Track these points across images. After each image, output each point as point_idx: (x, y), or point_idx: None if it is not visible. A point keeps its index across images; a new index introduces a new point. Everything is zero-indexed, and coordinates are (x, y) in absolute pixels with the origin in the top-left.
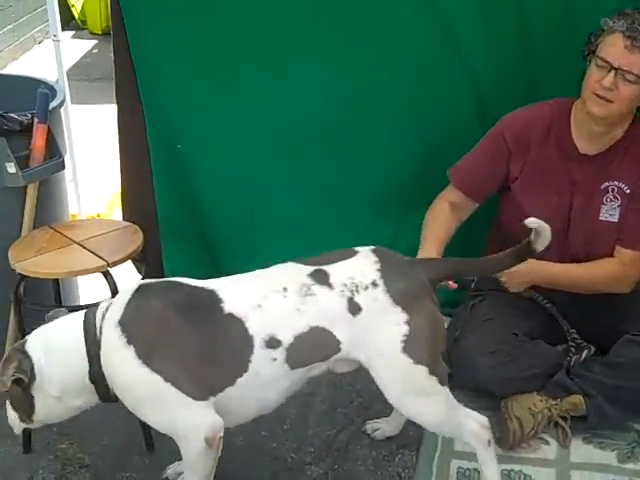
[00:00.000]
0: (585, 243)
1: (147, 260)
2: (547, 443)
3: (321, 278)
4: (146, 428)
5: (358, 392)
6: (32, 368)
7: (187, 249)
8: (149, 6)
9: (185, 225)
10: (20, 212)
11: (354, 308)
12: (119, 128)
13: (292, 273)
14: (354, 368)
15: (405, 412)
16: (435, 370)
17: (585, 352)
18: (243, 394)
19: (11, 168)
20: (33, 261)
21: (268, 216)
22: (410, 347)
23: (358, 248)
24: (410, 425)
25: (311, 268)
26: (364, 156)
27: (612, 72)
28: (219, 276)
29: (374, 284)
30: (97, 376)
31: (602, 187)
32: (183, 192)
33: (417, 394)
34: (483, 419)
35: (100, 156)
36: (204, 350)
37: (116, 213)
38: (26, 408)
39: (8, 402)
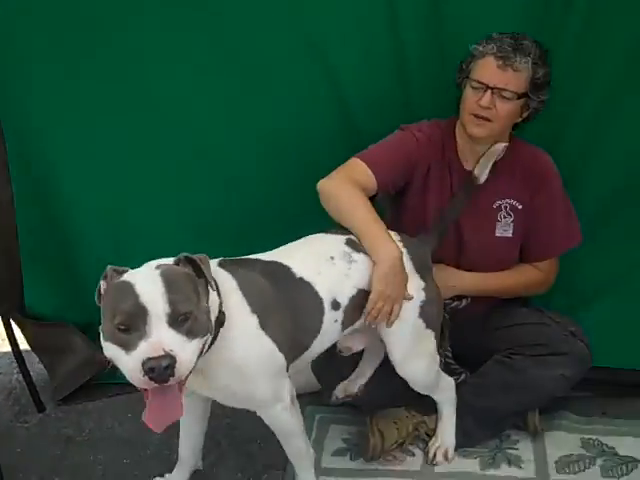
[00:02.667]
0: (482, 257)
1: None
2: (412, 455)
3: (355, 246)
4: None
5: (226, 413)
6: None
7: (50, 277)
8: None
9: (48, 253)
10: None
11: None
12: None
13: (333, 242)
14: None
15: (403, 372)
16: (437, 335)
17: (463, 376)
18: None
19: None
20: None
21: (133, 243)
22: (424, 312)
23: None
24: (278, 445)
25: (344, 237)
26: (239, 182)
27: (488, 92)
28: (81, 306)
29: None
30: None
31: (495, 206)
32: (46, 218)
33: (420, 356)
34: (451, 380)
35: None
36: (293, 315)
37: None
38: None
39: None
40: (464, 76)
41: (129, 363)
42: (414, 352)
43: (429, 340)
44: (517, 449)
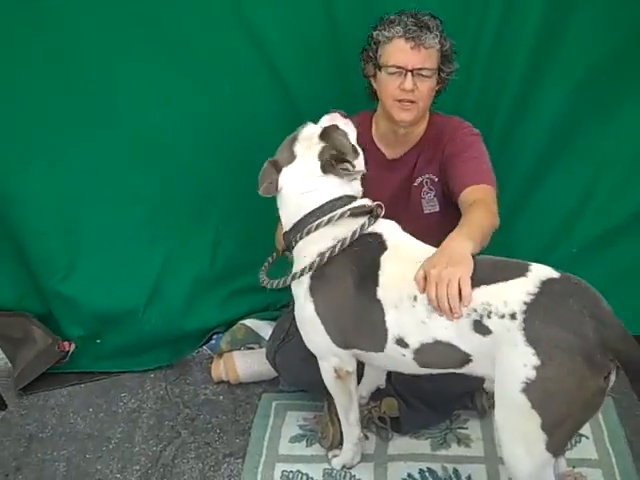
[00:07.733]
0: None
1: None
2: (366, 438)
3: None
4: None
5: (185, 403)
6: None
7: (6, 268)
8: None
9: (3, 245)
10: None
11: (482, 330)
12: None
13: None
14: None
15: (499, 444)
16: (549, 429)
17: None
18: (382, 358)
19: None
20: None
21: (85, 231)
22: (532, 392)
23: (534, 267)
24: (237, 434)
25: None
26: (181, 166)
27: (409, 75)
28: (37, 293)
29: (512, 316)
30: None
31: (416, 184)
32: None
33: (518, 437)
34: None
35: None
36: (356, 316)
37: None
38: None
39: None
40: (375, 64)
41: None
42: (512, 429)
43: (532, 426)
44: (466, 428)
